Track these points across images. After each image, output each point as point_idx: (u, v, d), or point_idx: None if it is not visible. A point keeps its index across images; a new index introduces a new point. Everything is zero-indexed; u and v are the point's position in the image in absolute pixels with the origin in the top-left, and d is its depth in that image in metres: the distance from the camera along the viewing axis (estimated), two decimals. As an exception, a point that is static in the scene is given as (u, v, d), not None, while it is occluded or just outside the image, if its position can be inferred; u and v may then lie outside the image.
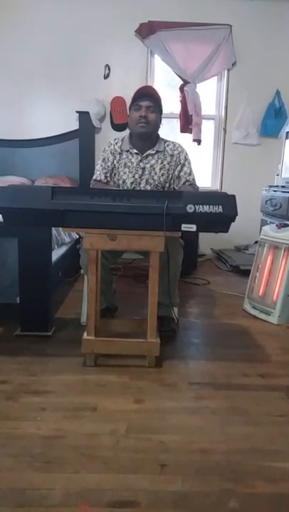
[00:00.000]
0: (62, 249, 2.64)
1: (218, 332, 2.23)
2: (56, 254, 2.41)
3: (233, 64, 3.78)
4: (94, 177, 2.15)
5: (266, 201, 3.34)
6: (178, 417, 1.44)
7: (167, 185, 2.12)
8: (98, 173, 2.13)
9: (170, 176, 2.12)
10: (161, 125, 2.13)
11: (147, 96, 2.01)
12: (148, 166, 2.10)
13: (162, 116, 2.11)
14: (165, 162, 2.10)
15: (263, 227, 2.59)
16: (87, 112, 3.66)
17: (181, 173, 2.11)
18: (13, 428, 1.35)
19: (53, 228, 2.27)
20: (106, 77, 3.76)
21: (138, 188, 2.08)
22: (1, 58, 3.70)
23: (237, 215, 1.61)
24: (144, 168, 2.09)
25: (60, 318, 2.26)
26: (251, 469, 1.21)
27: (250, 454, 1.27)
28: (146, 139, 2.07)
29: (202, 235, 3.50)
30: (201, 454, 1.26)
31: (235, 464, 1.23)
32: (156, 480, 1.15)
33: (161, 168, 2.10)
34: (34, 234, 1.95)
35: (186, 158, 2.13)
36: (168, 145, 2.13)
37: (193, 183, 2.12)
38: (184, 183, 2.10)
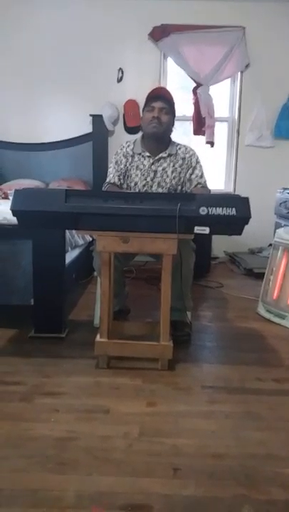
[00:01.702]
0: (76, 252, 2.66)
1: (232, 335, 2.21)
2: (70, 256, 2.43)
3: (247, 66, 3.76)
4: (107, 180, 2.16)
5: (280, 203, 3.29)
6: (191, 420, 1.43)
7: (179, 188, 2.12)
8: (112, 176, 2.14)
9: (182, 178, 2.11)
10: (174, 129, 2.13)
11: (161, 97, 2.02)
12: (160, 168, 2.10)
13: (175, 119, 2.11)
14: (177, 165, 2.10)
15: (277, 230, 2.56)
16: (101, 115, 3.68)
17: (193, 176, 2.10)
18: (26, 429, 1.36)
19: (67, 230, 2.28)
20: (119, 80, 3.78)
21: (150, 191, 2.08)
22: (15, 63, 3.75)
23: (250, 217, 1.59)
24: (156, 171, 2.10)
25: (74, 320, 2.27)
26: (266, 475, 1.19)
27: (265, 460, 1.25)
28: (159, 140, 2.07)
29: (215, 238, 3.47)
30: (215, 458, 1.25)
31: (250, 469, 1.21)
32: (169, 484, 1.15)
33: (173, 171, 2.10)
34: (48, 236, 1.97)
35: (197, 161, 2.12)
36: (180, 148, 2.13)
37: (204, 186, 2.11)
38: (196, 186, 2.09)
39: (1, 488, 1.12)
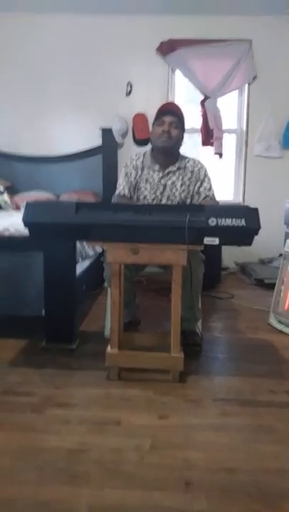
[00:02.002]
0: (86, 263, 2.68)
1: (243, 347, 2.19)
2: (80, 267, 2.45)
3: (254, 78, 3.80)
4: (117, 192, 2.18)
5: (290, 213, 3.28)
6: (203, 433, 1.42)
7: (188, 200, 2.14)
8: (122, 188, 2.15)
9: (190, 192, 2.13)
10: (183, 143, 2.15)
11: (171, 112, 2.05)
12: (169, 182, 2.12)
13: (184, 133, 2.13)
14: (186, 178, 2.12)
15: (288, 240, 2.54)
16: (110, 129, 3.74)
17: (201, 189, 2.12)
18: (38, 440, 1.36)
19: (77, 242, 2.31)
20: (128, 94, 3.84)
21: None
22: (25, 76, 3.84)
23: (260, 228, 1.59)
24: (165, 185, 2.12)
25: (84, 331, 2.28)
26: (279, 490, 1.17)
27: (278, 474, 1.23)
28: (168, 154, 2.10)
29: (225, 248, 3.47)
30: (227, 472, 1.23)
31: (262, 484, 1.19)
32: (181, 498, 1.13)
33: (182, 185, 2.11)
34: (59, 248, 1.99)
35: (205, 174, 2.14)
36: (188, 161, 2.15)
37: (213, 198, 2.12)
38: (204, 198, 2.11)
39: (14, 499, 1.12)
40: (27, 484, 1.17)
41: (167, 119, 2.03)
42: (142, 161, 2.15)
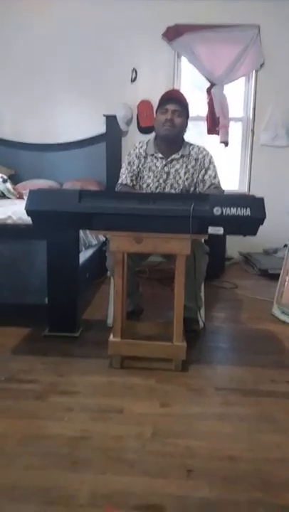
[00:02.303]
0: (90, 252, 2.67)
1: (246, 337, 2.18)
2: (83, 256, 2.44)
3: (262, 65, 3.72)
4: (120, 181, 2.16)
5: (296, 203, 3.25)
6: (205, 422, 1.42)
7: (192, 189, 2.11)
8: (124, 177, 2.14)
9: (195, 179, 2.10)
10: (187, 130, 2.12)
11: (174, 100, 2.01)
12: (173, 170, 2.09)
13: (189, 119, 2.10)
14: (190, 166, 2.09)
15: (293, 230, 2.52)
16: (115, 116, 3.69)
17: (206, 177, 2.09)
18: (41, 427, 1.37)
19: (81, 230, 2.30)
20: (133, 80, 3.78)
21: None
22: (28, 64, 3.78)
23: (265, 217, 1.58)
24: (168, 173, 2.09)
25: (87, 320, 2.28)
26: (281, 480, 1.17)
27: (280, 463, 1.24)
28: (171, 142, 2.07)
29: (230, 238, 3.44)
30: (229, 461, 1.24)
31: (265, 473, 1.19)
32: (183, 485, 1.14)
33: (186, 172, 2.09)
34: (62, 236, 1.98)
35: (210, 162, 2.11)
36: (192, 148, 2.12)
37: (218, 186, 2.10)
38: (209, 187, 2.08)
39: (17, 486, 1.13)
40: (30, 470, 1.19)
41: (171, 107, 2.00)
42: (145, 150, 2.13)
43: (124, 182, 2.13)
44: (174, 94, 2.08)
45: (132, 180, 2.12)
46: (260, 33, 3.65)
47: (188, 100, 2.09)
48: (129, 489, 1.12)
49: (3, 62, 3.80)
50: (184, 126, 2.07)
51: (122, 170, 2.17)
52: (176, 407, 1.51)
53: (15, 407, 1.49)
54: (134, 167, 2.12)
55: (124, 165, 2.18)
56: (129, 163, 2.15)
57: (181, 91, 3.63)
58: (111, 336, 1.77)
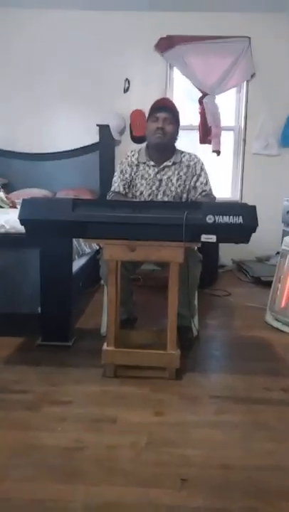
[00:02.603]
0: (83, 260, 2.67)
1: (239, 344, 2.19)
2: (77, 264, 2.44)
3: (252, 75, 3.79)
4: (112, 188, 2.17)
5: (287, 211, 3.29)
6: (199, 430, 1.42)
7: (184, 195, 2.13)
8: (116, 185, 2.15)
9: (187, 186, 2.12)
10: (178, 137, 2.14)
11: (165, 108, 2.04)
12: (165, 177, 2.11)
13: (181, 128, 2.13)
14: (182, 173, 2.12)
15: (285, 238, 2.55)
16: (108, 125, 3.72)
17: (197, 184, 2.11)
18: (34, 438, 1.35)
19: (74, 239, 2.30)
20: (126, 90, 3.82)
21: (155, 200, 2.09)
22: (22, 73, 3.81)
23: (258, 225, 1.59)
24: (161, 180, 2.11)
25: (81, 329, 2.27)
26: (275, 487, 1.17)
27: (274, 472, 1.23)
28: (163, 150, 2.09)
29: (222, 246, 3.47)
30: (223, 469, 1.23)
31: (259, 481, 1.19)
32: (177, 495, 1.13)
33: (178, 179, 2.11)
34: (55, 245, 1.98)
35: (202, 169, 2.14)
36: (184, 156, 2.14)
37: (209, 193, 2.12)
38: (201, 193, 2.10)
39: (9, 498, 1.11)
40: (22, 482, 1.17)
41: (161, 115, 2.02)
42: (137, 158, 2.15)
43: (116, 190, 2.14)
44: (164, 102, 2.10)
45: (124, 188, 2.14)
46: (251, 44, 3.73)
47: (178, 108, 2.12)
48: (124, 500, 1.11)
49: (-4, 72, 3.83)
50: (175, 134, 2.09)
51: (115, 178, 2.18)
52: (171, 416, 1.50)
53: (7, 417, 1.47)
54: (127, 175, 2.14)
55: (116, 173, 2.19)
56: (121, 171, 2.16)
57: (172, 100, 3.70)
58: (104, 344, 1.77)
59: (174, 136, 2.09)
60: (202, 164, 2.15)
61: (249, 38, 3.71)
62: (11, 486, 1.15)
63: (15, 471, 1.21)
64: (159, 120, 2.02)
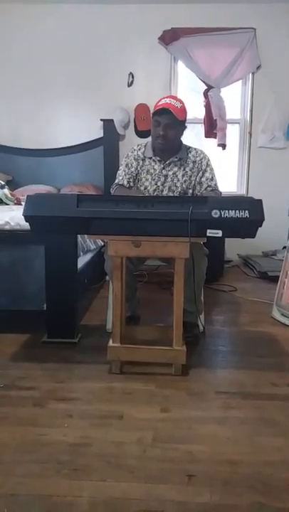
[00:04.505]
0: (88, 256, 2.67)
1: (246, 340, 2.18)
2: (82, 261, 2.44)
3: (258, 67, 3.73)
4: (116, 181, 2.15)
5: (294, 205, 3.25)
6: (205, 426, 1.41)
7: (190, 191, 2.11)
8: (121, 178, 2.13)
9: (192, 182, 2.10)
10: (185, 131, 2.11)
11: (166, 112, 1.96)
12: (171, 173, 2.09)
13: (187, 122, 2.09)
14: (187, 169, 2.09)
15: (291, 232, 2.52)
16: (112, 120, 3.70)
17: (203, 179, 2.09)
18: (40, 434, 1.36)
19: (79, 235, 2.29)
20: (130, 84, 3.79)
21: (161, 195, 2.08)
22: (25, 68, 3.79)
23: (264, 220, 1.57)
24: (166, 176, 2.09)
25: (86, 325, 2.27)
26: (282, 483, 1.16)
27: (281, 467, 1.23)
28: (167, 150, 2.08)
29: (228, 241, 3.44)
30: (230, 465, 1.23)
31: (266, 476, 1.19)
32: (184, 491, 1.13)
33: (183, 175, 2.09)
34: (60, 241, 1.98)
35: (208, 164, 2.11)
36: (190, 151, 2.12)
37: (215, 189, 2.10)
38: (206, 189, 2.08)
39: (17, 494, 1.12)
40: (29, 478, 1.18)
41: (163, 120, 1.97)
42: (143, 152, 2.13)
43: (120, 183, 2.12)
44: (166, 105, 1.98)
45: (128, 182, 2.12)
46: (256, 35, 3.67)
47: (184, 103, 2.05)
48: (130, 495, 1.11)
49: (0, 67, 3.81)
50: (178, 134, 2.06)
51: (119, 171, 2.16)
52: (177, 412, 1.50)
53: (14, 414, 1.47)
54: (132, 169, 2.12)
55: (121, 167, 2.17)
56: (126, 164, 2.14)
57: (177, 95, 3.66)
58: (110, 341, 1.76)
59: (177, 137, 2.06)
60: (208, 160, 2.13)
61: (254, 29, 3.66)
62: (18, 482, 1.16)
63: (22, 467, 1.21)
64: (161, 126, 1.98)
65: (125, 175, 2.12)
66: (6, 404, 1.53)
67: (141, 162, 2.12)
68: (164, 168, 2.10)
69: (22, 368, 1.80)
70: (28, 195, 1.67)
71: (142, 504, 1.09)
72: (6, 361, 1.87)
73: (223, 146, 3.76)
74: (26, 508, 1.08)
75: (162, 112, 1.97)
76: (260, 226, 1.59)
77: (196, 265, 1.90)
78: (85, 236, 2.55)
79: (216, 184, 2.11)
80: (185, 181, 2.09)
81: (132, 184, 2.13)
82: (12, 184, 3.54)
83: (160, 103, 2.01)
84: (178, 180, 2.09)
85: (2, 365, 1.83)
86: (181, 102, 2.04)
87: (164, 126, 1.98)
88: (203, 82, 3.73)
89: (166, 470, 1.21)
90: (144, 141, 2.28)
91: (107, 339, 1.79)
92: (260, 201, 1.59)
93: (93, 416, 1.46)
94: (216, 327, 2.33)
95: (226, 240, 3.30)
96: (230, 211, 1.55)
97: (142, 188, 2.12)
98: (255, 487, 1.14)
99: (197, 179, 2.10)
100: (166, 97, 2.05)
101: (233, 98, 3.89)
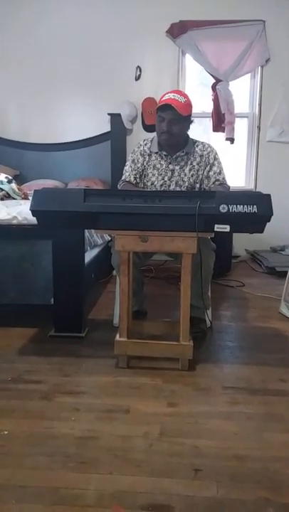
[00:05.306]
0: (95, 251, 2.67)
1: (254, 336, 2.17)
2: (89, 255, 2.44)
3: (267, 60, 3.68)
4: (123, 177, 2.14)
5: (303, 200, 3.22)
6: (212, 421, 1.41)
7: (197, 185, 2.10)
8: (127, 174, 2.12)
9: (200, 176, 2.09)
10: (191, 125, 2.08)
11: (170, 107, 1.93)
12: (177, 167, 2.08)
13: (193, 115, 2.06)
14: (194, 163, 2.08)
15: (300, 227, 2.50)
16: (119, 114, 3.68)
17: (211, 173, 2.07)
18: (48, 428, 1.37)
19: (86, 230, 2.30)
20: (137, 78, 3.77)
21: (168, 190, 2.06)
22: (33, 63, 3.79)
23: (272, 215, 1.56)
24: (173, 170, 2.08)
25: (93, 320, 2.28)
26: (289, 479, 1.16)
27: (288, 463, 1.22)
28: (173, 145, 2.06)
29: (236, 236, 3.42)
30: (237, 460, 1.23)
31: (273, 472, 1.18)
32: (190, 485, 1.14)
33: (190, 169, 2.07)
34: (68, 236, 1.98)
35: (215, 158, 2.09)
36: (197, 145, 2.10)
37: (223, 183, 2.08)
38: (214, 183, 2.06)
39: (24, 486, 1.13)
40: (37, 470, 1.19)
41: (167, 116, 1.95)
42: (150, 147, 2.12)
43: (127, 179, 2.11)
44: (169, 100, 1.96)
45: (135, 178, 2.11)
46: (266, 28, 3.61)
47: (189, 97, 2.02)
48: (137, 489, 1.12)
49: (8, 62, 3.81)
50: (183, 129, 2.03)
51: (126, 168, 2.15)
52: (183, 407, 1.50)
53: (21, 407, 1.49)
54: (139, 165, 2.11)
55: (128, 162, 2.16)
56: (133, 160, 2.13)
57: (184, 89, 3.63)
58: (117, 335, 1.77)
59: (182, 132, 2.04)
60: (216, 154, 2.11)
61: (264, 21, 3.60)
62: (26, 474, 1.17)
63: (30, 460, 1.23)
64: (165, 122, 1.96)
65: (132, 171, 2.11)
66: (14, 398, 1.54)
67: (147, 157, 2.11)
68: (170, 162, 2.08)
69: (29, 362, 1.81)
70: (35, 190, 1.68)
71: (148, 497, 1.09)
72: (14, 355, 1.88)
73: (232, 140, 3.72)
74: (34, 499, 1.09)
75: (165, 107, 1.95)
76: (269, 221, 1.57)
77: (204, 260, 1.89)
78: (92, 231, 2.54)
79: (224, 178, 2.09)
80: (192, 176, 2.08)
81: (138, 180, 2.12)
82: (19, 179, 3.55)
83: (163, 98, 1.99)
84: (185, 175, 2.08)
85: (10, 359, 1.84)
86: (185, 96, 2.02)
87: (167, 122, 1.96)
88: (212, 75, 3.69)
89: (172, 464, 1.21)
90: (150, 135, 2.26)
91: (114, 333, 1.80)
92: (268, 196, 1.57)
93: (100, 410, 1.47)
94: (223, 322, 2.32)
95: (234, 234, 3.28)
96: (238, 206, 1.54)
97: (149, 184, 2.11)
98: (262, 482, 1.14)
99: (205, 173, 2.08)
100: (170, 92, 2.03)
101: (242, 92, 3.85)
